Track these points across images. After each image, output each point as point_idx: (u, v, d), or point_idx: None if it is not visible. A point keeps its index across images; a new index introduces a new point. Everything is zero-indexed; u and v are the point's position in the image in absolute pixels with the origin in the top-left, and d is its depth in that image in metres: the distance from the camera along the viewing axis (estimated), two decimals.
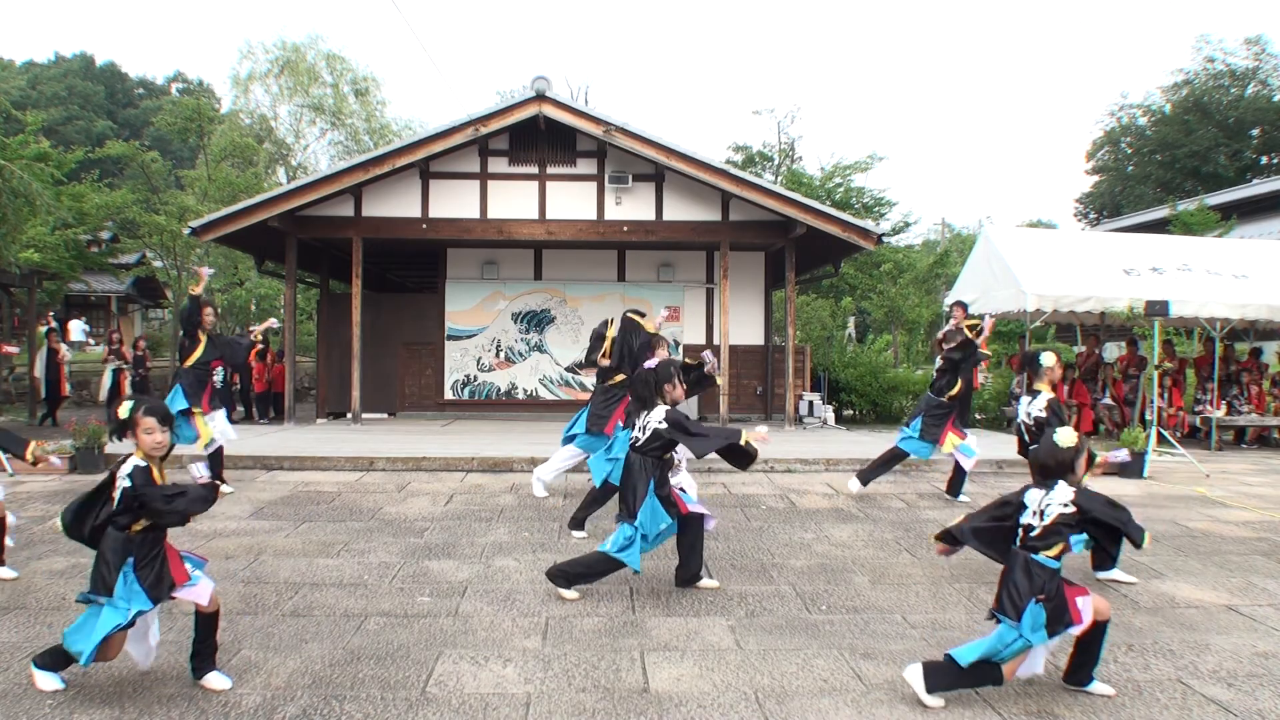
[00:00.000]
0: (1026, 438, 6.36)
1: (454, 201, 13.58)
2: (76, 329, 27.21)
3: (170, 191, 23.84)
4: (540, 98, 12.57)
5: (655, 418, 5.16)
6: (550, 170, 13.66)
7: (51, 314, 21.59)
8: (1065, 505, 3.75)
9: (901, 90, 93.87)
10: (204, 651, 3.85)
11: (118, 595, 3.62)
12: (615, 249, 15.23)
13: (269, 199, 12.96)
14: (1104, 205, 42.44)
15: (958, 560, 6.05)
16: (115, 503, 3.68)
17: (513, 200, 13.60)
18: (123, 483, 3.66)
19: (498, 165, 13.67)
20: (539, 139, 13.40)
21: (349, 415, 13.58)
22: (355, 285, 13.53)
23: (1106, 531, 3.82)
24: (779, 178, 26.31)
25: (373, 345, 14.66)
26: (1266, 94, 38.96)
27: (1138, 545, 3.81)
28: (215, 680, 3.83)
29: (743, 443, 5.07)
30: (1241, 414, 13.41)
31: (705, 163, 12.84)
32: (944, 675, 3.76)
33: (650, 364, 5.45)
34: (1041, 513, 3.81)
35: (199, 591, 3.81)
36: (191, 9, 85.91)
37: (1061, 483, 3.81)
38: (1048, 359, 6.16)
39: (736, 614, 4.89)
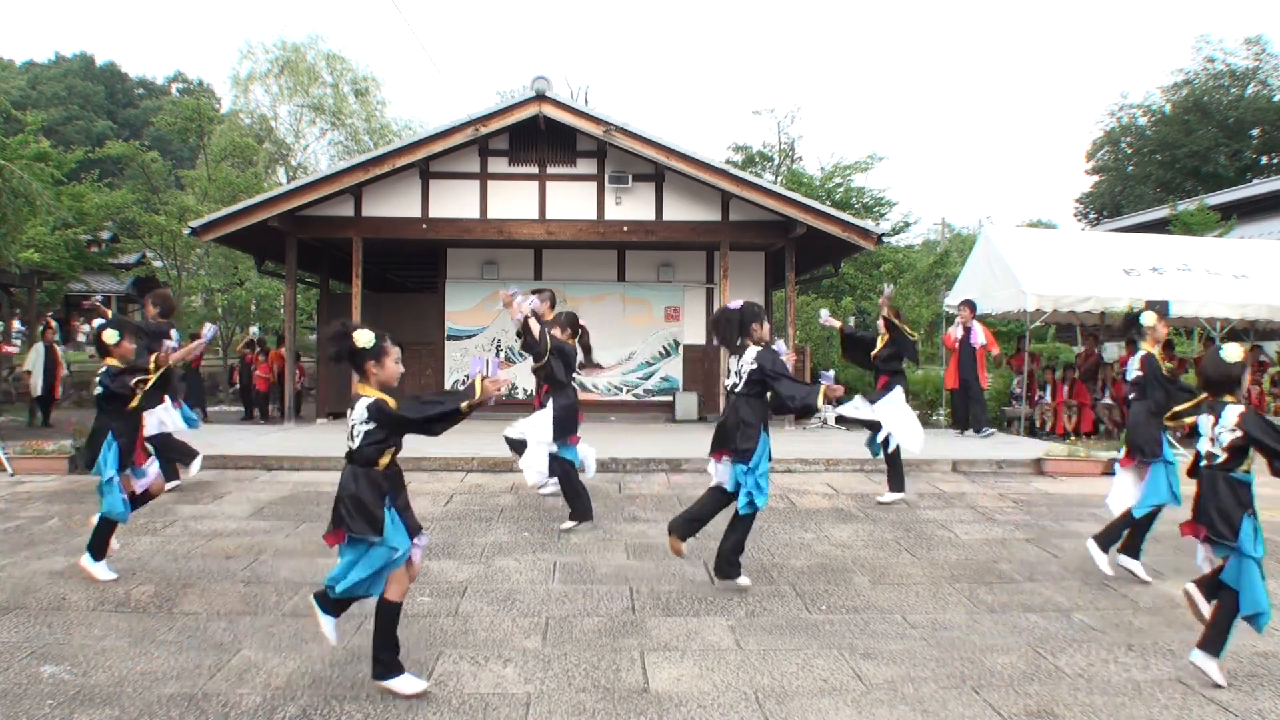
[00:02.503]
0: (1131, 395, 6.20)
1: (454, 201, 13.57)
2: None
3: (170, 191, 23.86)
4: (540, 98, 12.56)
5: (748, 359, 5.22)
6: (550, 170, 13.65)
7: (50, 314, 21.58)
8: (1233, 430, 4.06)
9: (901, 90, 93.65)
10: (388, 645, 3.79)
11: (387, 535, 3.69)
12: (615, 249, 15.22)
13: (269, 199, 12.94)
14: (1104, 205, 42.40)
15: (957, 560, 6.05)
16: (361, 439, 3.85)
17: (513, 200, 13.59)
18: (362, 426, 3.85)
19: (498, 165, 13.66)
20: (539, 139, 13.39)
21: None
22: (355, 285, 13.52)
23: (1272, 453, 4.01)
24: (779, 178, 26.33)
25: None
26: (1266, 94, 38.93)
27: None
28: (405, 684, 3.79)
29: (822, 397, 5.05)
30: None
31: (705, 163, 12.83)
32: (1217, 637, 4.00)
33: (734, 304, 5.43)
34: (1215, 438, 4.16)
35: (418, 554, 3.88)
36: (191, 9, 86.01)
37: (1229, 407, 4.12)
38: (1148, 318, 6.08)
39: (736, 614, 4.89)
